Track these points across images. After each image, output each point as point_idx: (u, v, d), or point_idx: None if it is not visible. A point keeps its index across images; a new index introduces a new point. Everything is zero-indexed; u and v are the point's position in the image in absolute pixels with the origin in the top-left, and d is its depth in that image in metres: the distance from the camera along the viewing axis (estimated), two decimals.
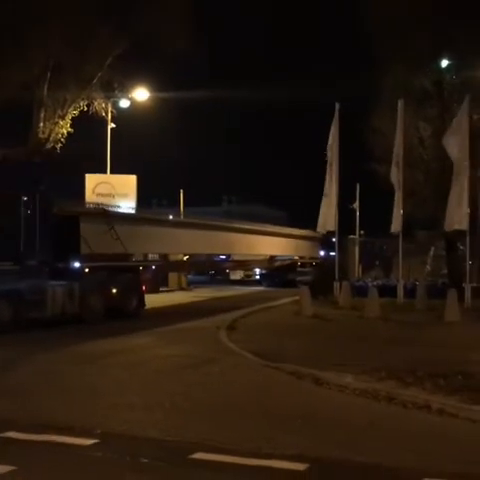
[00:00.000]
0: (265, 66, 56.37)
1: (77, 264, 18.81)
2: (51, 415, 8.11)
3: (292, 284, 36.75)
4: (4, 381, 10.37)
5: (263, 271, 43.62)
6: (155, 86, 33.46)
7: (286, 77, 52.46)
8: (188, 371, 11.35)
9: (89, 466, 6.31)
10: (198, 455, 6.56)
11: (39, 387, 9.94)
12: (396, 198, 24.84)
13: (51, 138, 30.94)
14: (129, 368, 11.54)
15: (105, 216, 20.48)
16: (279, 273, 40.50)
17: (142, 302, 21.00)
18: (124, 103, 33.43)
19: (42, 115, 30.55)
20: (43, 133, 30.77)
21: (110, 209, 22.28)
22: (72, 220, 18.94)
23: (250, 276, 46.47)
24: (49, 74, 29.68)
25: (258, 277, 45.22)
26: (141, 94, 33.49)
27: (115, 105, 33.18)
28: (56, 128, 30.91)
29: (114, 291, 19.76)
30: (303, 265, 41.08)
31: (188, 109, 42.88)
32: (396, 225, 24.77)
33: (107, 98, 32.39)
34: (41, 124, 30.58)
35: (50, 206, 17.95)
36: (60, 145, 31.21)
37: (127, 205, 31.69)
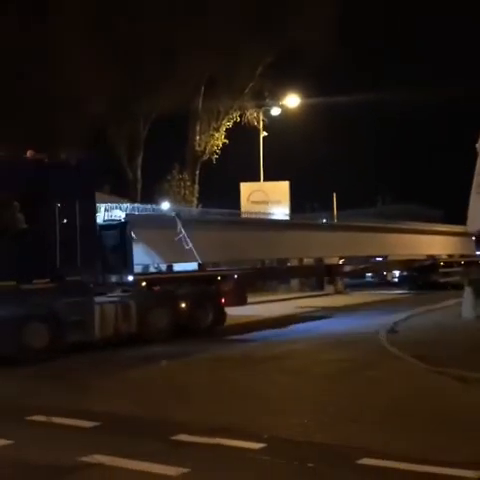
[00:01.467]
0: (409, 65, 55.16)
1: (130, 277, 16.43)
2: (219, 419, 8.39)
3: (437, 286, 33.66)
4: (168, 386, 10.82)
5: (403, 273, 38.48)
6: (306, 91, 33.73)
7: (440, 71, 50.96)
8: (351, 376, 11.33)
9: (259, 469, 6.50)
10: (365, 460, 6.57)
11: (204, 392, 10.30)
12: None
13: (207, 150, 32.16)
14: (290, 373, 11.68)
15: (174, 221, 17.60)
16: (421, 275, 35.95)
17: (221, 317, 18.20)
18: (275, 111, 33.94)
19: (197, 128, 31.82)
20: (199, 146, 32.03)
21: (182, 214, 18.70)
22: (122, 227, 16.56)
23: (387, 278, 42.89)
24: (203, 88, 30.85)
25: (396, 280, 40.10)
26: (292, 101, 33.83)
27: (266, 113, 33.84)
28: (211, 140, 32.07)
29: (183, 306, 17.14)
30: (449, 264, 36.43)
31: (339, 112, 42.74)
32: None
33: (258, 107, 33.14)
34: (197, 137, 31.86)
35: (93, 213, 15.63)
36: (216, 156, 32.37)
37: (281, 211, 32.12)
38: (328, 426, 8.03)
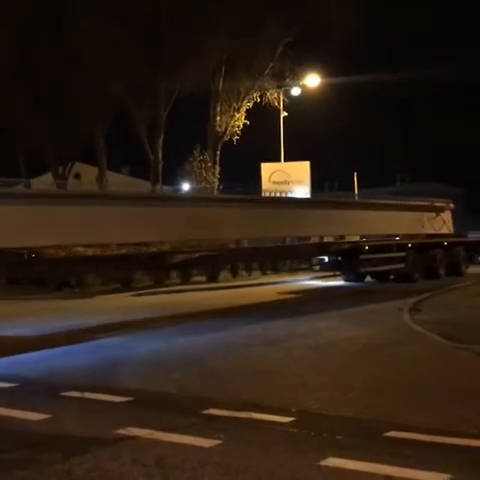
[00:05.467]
0: (429, 43, 54.67)
1: None
2: (247, 394, 8.55)
3: (379, 276, 25.89)
4: (200, 363, 10.97)
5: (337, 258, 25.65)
6: (325, 71, 33.68)
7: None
8: (375, 352, 11.46)
9: (289, 440, 6.67)
10: (392, 433, 6.72)
11: (231, 369, 10.47)
12: None
13: (227, 131, 32.26)
14: (316, 350, 11.85)
15: None
16: (350, 261, 24.90)
17: None
18: (295, 91, 33.98)
19: (218, 109, 31.94)
20: (220, 127, 32.14)
21: None
22: None
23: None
24: (223, 69, 30.91)
25: (318, 268, 28.18)
26: (312, 80, 33.83)
27: (287, 93, 33.87)
28: (232, 121, 32.18)
29: None
30: (382, 248, 25.21)
31: (359, 92, 42.57)
32: None
33: (279, 87, 33.18)
34: (218, 118, 31.98)
35: None
36: (236, 137, 32.47)
37: (302, 191, 32.20)
38: (354, 400, 8.18)
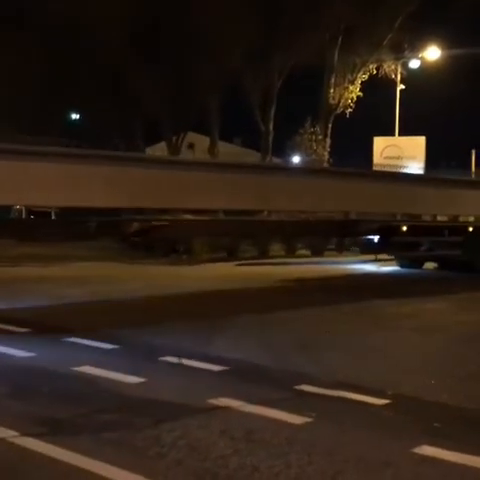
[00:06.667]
0: None
1: None
2: (343, 373, 8.36)
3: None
4: (296, 337, 10.84)
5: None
6: (446, 43, 32.26)
7: None
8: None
9: (382, 424, 6.46)
10: None
11: (330, 345, 10.27)
12: None
13: (341, 103, 31.68)
14: (421, 333, 11.46)
15: None
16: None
17: None
18: (414, 63, 32.86)
19: (332, 81, 31.37)
20: (333, 99, 31.58)
21: None
22: None
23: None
24: (340, 39, 30.25)
25: (357, 249, 26.25)
26: (432, 53, 32.54)
27: (405, 66, 32.84)
28: (346, 93, 31.56)
29: None
30: (427, 231, 21.61)
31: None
32: None
33: (397, 59, 32.19)
34: (331, 90, 31.42)
35: None
36: (349, 110, 31.83)
37: (415, 167, 31.26)
38: (455, 389, 7.82)
